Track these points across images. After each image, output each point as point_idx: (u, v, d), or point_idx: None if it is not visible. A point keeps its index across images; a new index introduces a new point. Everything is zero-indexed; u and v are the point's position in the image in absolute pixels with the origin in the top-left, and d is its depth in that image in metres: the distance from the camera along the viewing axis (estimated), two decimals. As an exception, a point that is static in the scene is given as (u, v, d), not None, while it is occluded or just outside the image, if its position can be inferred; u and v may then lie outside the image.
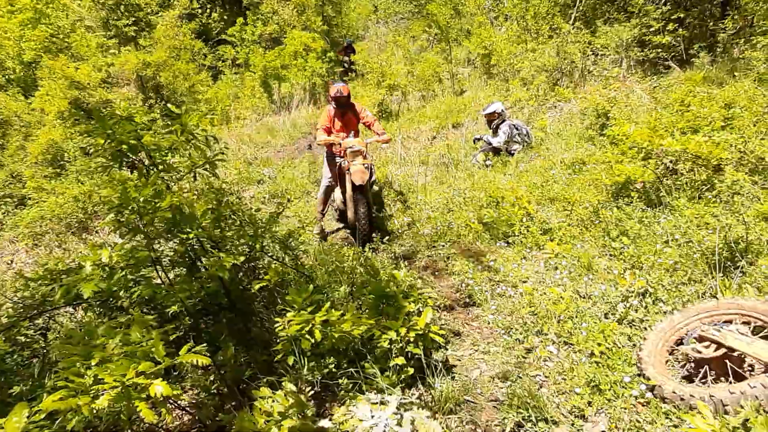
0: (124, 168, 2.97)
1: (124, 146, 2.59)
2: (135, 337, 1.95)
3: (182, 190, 2.72)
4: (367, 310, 2.81)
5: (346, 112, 5.36)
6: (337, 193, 5.64)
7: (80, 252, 5.90)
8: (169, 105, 3.16)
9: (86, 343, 1.74)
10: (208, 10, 16.78)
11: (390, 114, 9.88)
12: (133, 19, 15.05)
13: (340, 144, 5.09)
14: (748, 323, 2.40)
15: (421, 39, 13.02)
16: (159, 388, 1.47)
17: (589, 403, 2.38)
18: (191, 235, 2.55)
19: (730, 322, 2.44)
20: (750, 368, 2.25)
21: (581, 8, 8.31)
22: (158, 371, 1.57)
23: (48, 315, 3.18)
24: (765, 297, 2.57)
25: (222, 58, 15.85)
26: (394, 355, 2.65)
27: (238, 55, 15.48)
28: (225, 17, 16.86)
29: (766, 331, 2.33)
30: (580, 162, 5.18)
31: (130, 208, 2.36)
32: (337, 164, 5.28)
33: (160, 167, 2.87)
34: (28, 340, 3.16)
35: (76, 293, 2.39)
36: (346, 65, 15.38)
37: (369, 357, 2.70)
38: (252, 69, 14.33)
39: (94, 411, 1.42)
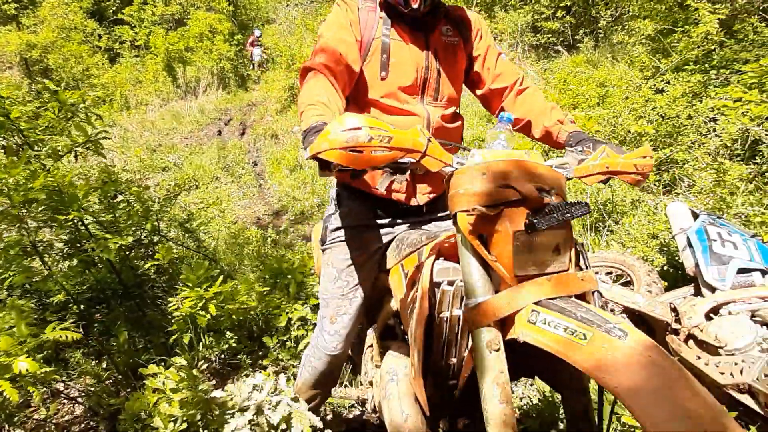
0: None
1: (-12, 123, 2.39)
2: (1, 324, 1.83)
3: (57, 170, 2.56)
4: (267, 287, 2.82)
5: (430, 25, 1.59)
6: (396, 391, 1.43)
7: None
8: (45, 81, 2.95)
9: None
10: (101, -12, 15.53)
11: (301, 98, 9.77)
12: (13, -5, 13.62)
13: (444, 171, 1.13)
14: (610, 273, 2.70)
15: (332, 23, 12.93)
16: (23, 364, 1.41)
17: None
18: (70, 217, 2.41)
19: (597, 273, 2.73)
20: (611, 312, 2.54)
21: (481, -5, 8.66)
22: (22, 351, 1.50)
23: None
24: (625, 250, 2.90)
25: (119, 39, 14.78)
26: (295, 328, 2.70)
27: (137, 36, 14.52)
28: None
29: (624, 279, 2.63)
30: (479, 140, 5.46)
31: (-3, 189, 2.19)
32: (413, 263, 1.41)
33: (35, 147, 2.69)
34: None
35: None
36: (257, 58, 14.38)
37: (270, 331, 2.73)
38: (154, 52, 13.52)
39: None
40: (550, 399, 2.08)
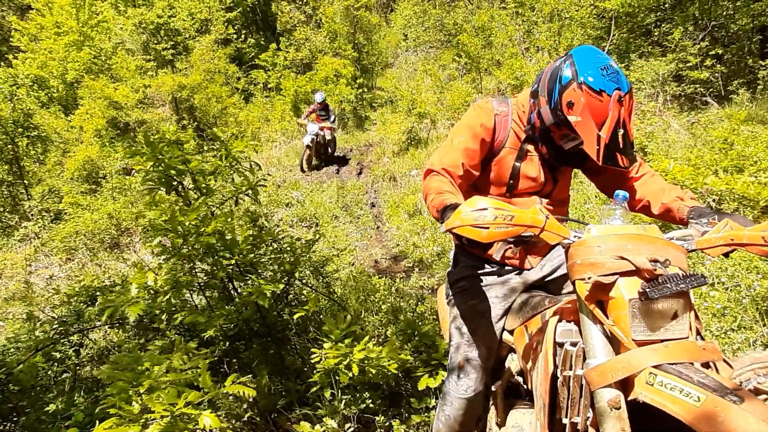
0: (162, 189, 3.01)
1: (172, 171, 2.64)
2: (176, 364, 1.95)
3: (225, 215, 2.74)
4: (404, 346, 2.76)
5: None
6: None
7: (113, 269, 6.00)
8: (214, 130, 3.24)
9: (132, 368, 1.74)
10: (243, 36, 17.30)
11: (419, 142, 9.94)
12: (172, 43, 15.58)
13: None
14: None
15: (451, 68, 13.17)
16: (207, 420, 1.45)
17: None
18: (232, 262, 2.56)
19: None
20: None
21: (614, 42, 8.30)
22: (204, 400, 1.56)
23: (82, 332, 3.22)
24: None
25: (254, 81, 16.25)
26: (433, 394, 2.60)
27: (270, 79, 15.87)
28: (261, 42, 17.35)
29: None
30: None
31: (176, 232, 2.38)
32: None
33: (204, 191, 2.92)
34: (61, 356, 3.20)
35: (118, 316, 2.42)
36: (308, 138, 9.56)
37: (407, 391, 2.65)
38: (283, 93, 14.66)
39: (144, 441, 1.40)
40: None
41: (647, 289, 1.11)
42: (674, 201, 1.58)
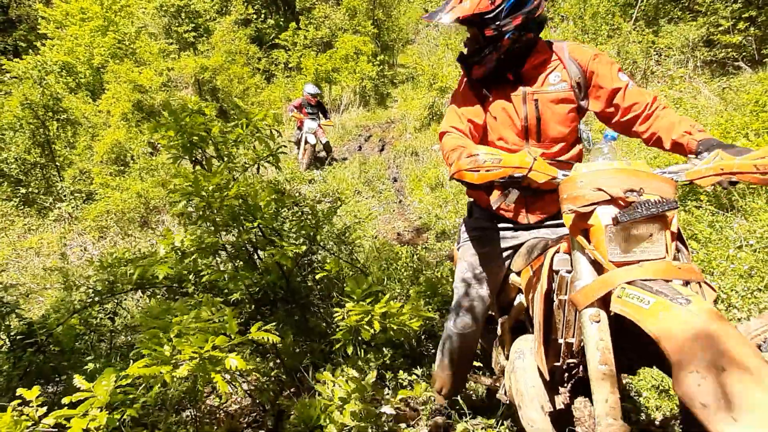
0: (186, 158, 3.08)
1: (195, 138, 2.70)
2: (205, 315, 2.03)
3: (247, 181, 2.80)
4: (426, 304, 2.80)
5: (525, 79, 1.78)
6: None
7: (145, 241, 6.19)
8: (235, 100, 3.29)
9: (163, 317, 1.82)
10: (263, 15, 17.28)
11: (441, 117, 9.85)
12: (193, 25, 15.68)
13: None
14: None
15: (472, 42, 12.91)
16: (233, 361, 1.52)
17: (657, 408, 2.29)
18: (255, 224, 2.62)
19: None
20: None
21: (642, 7, 8.02)
22: (231, 346, 1.63)
23: (116, 300, 3.36)
24: None
25: (275, 61, 16.27)
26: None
27: (290, 59, 15.86)
28: (281, 22, 17.31)
29: None
30: (641, 164, 5.00)
31: (200, 196, 2.45)
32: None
33: (226, 158, 2.99)
34: (97, 323, 3.35)
35: (148, 277, 2.51)
36: (311, 140, 8.77)
37: (428, 352, 2.70)
38: (304, 72, 14.63)
39: (175, 379, 1.48)
40: None
41: (618, 215, 1.23)
42: (682, 136, 1.59)
